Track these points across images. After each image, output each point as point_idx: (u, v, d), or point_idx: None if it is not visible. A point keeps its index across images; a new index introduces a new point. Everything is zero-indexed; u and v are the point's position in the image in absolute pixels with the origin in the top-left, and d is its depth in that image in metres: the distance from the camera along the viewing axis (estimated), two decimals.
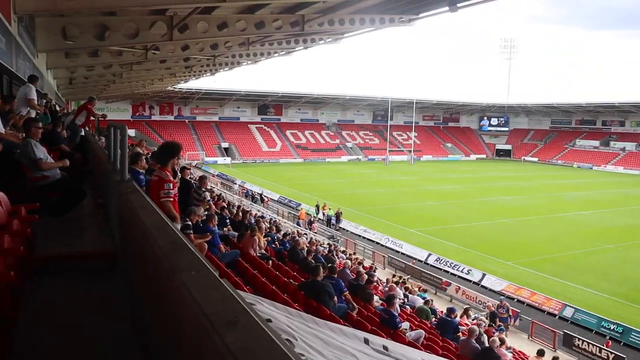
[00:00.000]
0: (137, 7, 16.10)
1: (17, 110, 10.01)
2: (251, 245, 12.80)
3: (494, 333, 15.65)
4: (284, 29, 20.86)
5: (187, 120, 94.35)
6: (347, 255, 26.49)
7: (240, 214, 17.94)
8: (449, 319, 13.97)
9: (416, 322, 13.97)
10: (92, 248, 5.48)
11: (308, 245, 21.28)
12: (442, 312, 18.97)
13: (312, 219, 38.44)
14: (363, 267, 21.81)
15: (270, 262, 12.85)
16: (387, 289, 18.04)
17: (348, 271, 15.26)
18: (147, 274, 3.06)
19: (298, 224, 38.36)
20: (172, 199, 6.21)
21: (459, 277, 28.21)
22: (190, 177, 14.41)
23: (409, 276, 27.59)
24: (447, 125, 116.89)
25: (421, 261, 30.84)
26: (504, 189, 59.43)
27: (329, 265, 12.92)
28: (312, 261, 13.90)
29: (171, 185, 6.18)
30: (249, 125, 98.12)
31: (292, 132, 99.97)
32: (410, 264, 29.76)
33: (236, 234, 14.21)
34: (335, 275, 11.78)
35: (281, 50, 30.08)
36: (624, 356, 18.92)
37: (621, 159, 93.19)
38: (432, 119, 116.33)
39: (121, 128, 5.46)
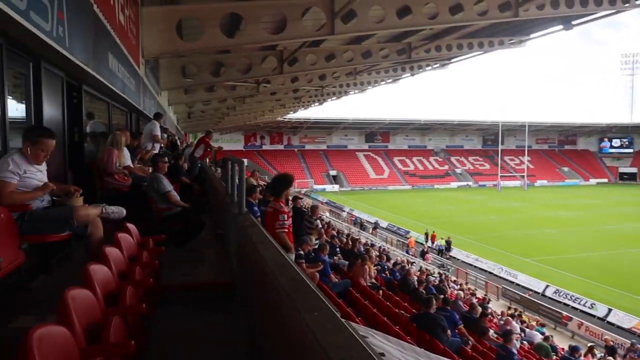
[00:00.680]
0: (250, 45, 16.93)
1: (143, 145, 10.78)
2: (362, 275, 12.74)
3: None
4: (390, 57, 20.96)
5: (296, 149, 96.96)
6: (459, 286, 25.62)
7: (350, 242, 17.97)
8: (573, 358, 12.97)
9: None
10: (212, 278, 5.69)
11: (418, 274, 20.84)
12: (563, 349, 17.67)
13: (424, 249, 37.64)
14: (476, 298, 20.94)
15: (381, 292, 12.70)
16: (502, 322, 17.17)
17: (461, 303, 14.74)
18: (268, 310, 3.09)
19: (407, 252, 37.77)
20: (286, 230, 6.34)
21: (581, 311, 26.23)
22: (301, 206, 14.68)
23: (525, 309, 26.08)
24: (562, 148, 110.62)
25: (538, 293, 29.07)
26: (629, 216, 54.89)
27: (442, 296, 12.54)
28: (424, 292, 13.58)
29: (285, 216, 6.32)
30: (356, 153, 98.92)
31: (399, 158, 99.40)
32: (527, 295, 28.16)
33: (346, 262, 14.22)
34: (449, 307, 11.39)
35: (388, 78, 30.21)
36: None
37: None
38: (547, 142, 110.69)
39: (239, 162, 5.66)
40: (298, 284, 2.63)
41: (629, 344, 20.44)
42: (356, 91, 36.07)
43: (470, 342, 10.74)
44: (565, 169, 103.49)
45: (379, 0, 13.73)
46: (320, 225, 13.41)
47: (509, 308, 25.40)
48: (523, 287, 30.29)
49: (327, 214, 54.18)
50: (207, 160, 17.79)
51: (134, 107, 11.31)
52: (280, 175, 7.02)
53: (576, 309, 26.62)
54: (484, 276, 32.37)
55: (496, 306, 25.92)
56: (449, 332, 9.95)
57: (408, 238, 42.34)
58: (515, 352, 11.14)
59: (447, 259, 36.67)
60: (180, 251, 6.98)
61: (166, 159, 7.98)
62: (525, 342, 15.79)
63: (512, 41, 21.30)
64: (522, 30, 20.89)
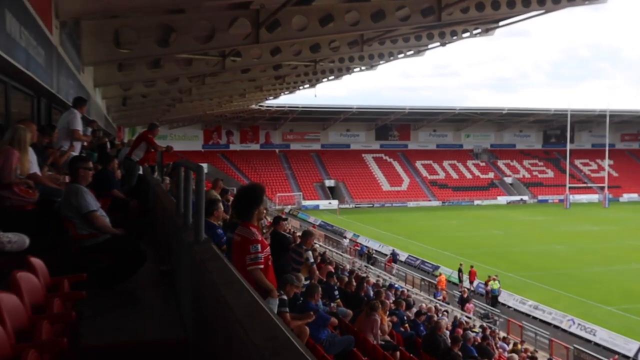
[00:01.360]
0: (213, 0, 16.93)
1: (57, 144, 10.72)
2: (370, 329, 12.73)
3: None
4: (412, 20, 21.02)
5: (277, 150, 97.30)
6: (512, 345, 25.62)
7: (354, 282, 17.94)
8: None
9: None
10: (156, 335, 5.64)
11: (452, 328, 20.82)
12: None
13: (465, 295, 37.20)
14: None
15: (398, 353, 12.67)
16: None
17: None
18: None
19: (436, 295, 37.75)
20: (262, 266, 6.32)
21: None
22: (285, 231, 14.66)
23: None
24: None
25: (628, 357, 29.10)
26: None
27: None
28: (460, 353, 13.54)
29: (259, 246, 6.29)
30: (363, 155, 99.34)
31: (424, 163, 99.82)
32: None
33: (349, 312, 14.18)
34: None
35: (408, 49, 30.30)
36: None
37: None
38: (637, 138, 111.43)
39: (196, 169, 5.64)
40: (279, 345, 2.61)
41: None
42: (363, 68, 36.19)
43: None
44: None
45: None
46: (312, 259, 13.40)
47: None
48: (604, 347, 30.28)
49: (322, 241, 54.14)
50: (150, 165, 17.77)
51: (44, 89, 11.27)
52: (245, 187, 6.97)
53: None
54: (547, 332, 32.36)
55: None
56: None
57: (437, 276, 42.35)
58: None
59: (493, 306, 36.55)
60: (110, 295, 6.93)
61: (90, 164, 7.94)
62: None
63: None
64: None
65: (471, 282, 40.68)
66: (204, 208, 5.53)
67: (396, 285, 33.53)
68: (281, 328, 2.85)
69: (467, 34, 27.29)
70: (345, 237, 58.94)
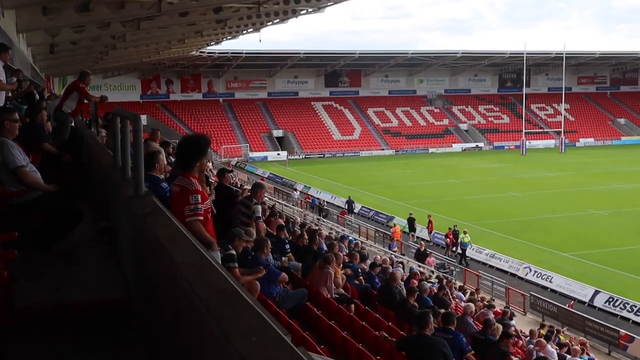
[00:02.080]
0: None
1: None
2: (324, 283, 12.81)
3: None
4: None
5: (221, 99, 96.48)
6: (468, 295, 26.11)
7: (306, 235, 18.00)
8: None
9: None
10: (96, 295, 5.59)
11: (407, 278, 21.11)
12: None
13: (422, 248, 36.89)
14: (494, 312, 21.41)
15: (353, 306, 12.81)
16: (532, 346, 17.62)
17: (471, 320, 15.00)
18: (180, 340, 3.04)
19: (391, 247, 38.16)
20: (201, 217, 6.28)
21: None
22: (231, 184, 14.59)
23: (565, 327, 26.86)
24: (617, 90, 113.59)
25: (584, 303, 29.94)
26: None
27: (443, 311, 12.75)
28: (416, 305, 13.76)
29: (198, 197, 6.24)
30: (312, 103, 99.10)
31: (376, 110, 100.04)
32: (567, 306, 28.96)
33: (300, 265, 14.26)
34: (453, 327, 11.61)
35: None
36: None
37: None
38: (594, 81, 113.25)
39: (133, 118, 5.55)
40: (227, 298, 2.60)
41: None
42: (310, 10, 35.84)
43: None
44: (622, 120, 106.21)
45: None
46: (259, 213, 13.31)
47: (542, 325, 26.07)
48: (561, 294, 31.08)
49: (272, 194, 54.15)
50: (84, 117, 17.45)
51: None
52: (189, 137, 6.90)
53: (639, 324, 27.55)
54: (504, 280, 33.05)
55: (523, 323, 26.52)
56: None
57: (391, 227, 42.78)
58: None
59: (465, 264, 36.50)
60: (46, 256, 6.84)
61: (16, 115, 7.74)
62: None
63: None
64: None
65: (430, 233, 41.20)
66: (144, 159, 5.45)
67: (350, 238, 33.74)
68: (229, 281, 2.84)
69: None
70: (295, 190, 58.96)
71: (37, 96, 17.49)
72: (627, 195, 54.03)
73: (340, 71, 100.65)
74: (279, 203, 47.89)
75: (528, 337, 20.50)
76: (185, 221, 6.04)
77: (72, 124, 14.07)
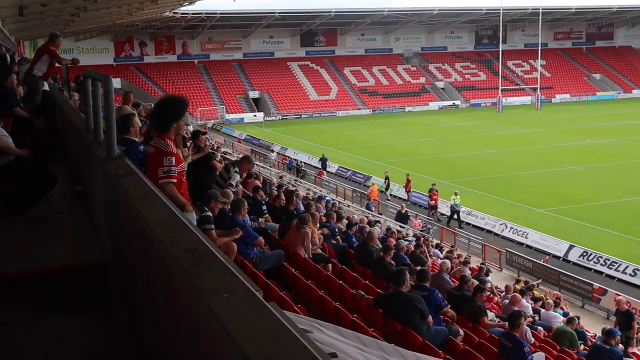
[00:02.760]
0: None
1: None
2: (301, 243, 12.86)
3: None
4: None
5: (196, 61, 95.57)
6: (445, 252, 26.34)
7: (283, 196, 18.04)
8: (607, 346, 13.72)
9: (555, 352, 13.78)
10: (71, 260, 5.60)
11: (384, 237, 21.25)
12: (595, 335, 18.61)
13: (403, 210, 36.46)
14: (470, 269, 21.64)
15: (330, 265, 12.91)
16: (507, 301, 17.86)
17: (447, 276, 15.15)
18: (155, 300, 3.09)
19: (369, 207, 38.32)
20: (174, 180, 6.25)
21: (619, 280, 27.59)
22: (207, 146, 14.53)
23: (539, 281, 27.20)
24: (593, 45, 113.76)
25: (558, 257, 30.31)
26: None
27: (419, 268, 12.87)
28: (393, 263, 13.87)
29: (173, 159, 6.20)
30: (288, 63, 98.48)
31: (352, 69, 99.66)
32: (542, 262, 29.31)
33: (277, 226, 14.31)
34: (428, 283, 11.73)
35: None
36: None
37: None
38: (570, 37, 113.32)
39: (103, 79, 5.53)
40: (199, 256, 2.64)
41: None
42: None
43: (461, 331, 11.15)
44: (597, 76, 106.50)
45: None
46: (234, 182, 13.17)
47: (517, 281, 26.39)
48: (536, 249, 31.43)
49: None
50: (56, 80, 17.27)
51: None
52: (167, 98, 6.88)
53: (612, 277, 27.95)
54: (480, 237, 33.33)
55: (498, 279, 26.80)
56: (430, 318, 10.27)
57: (368, 186, 42.90)
58: (526, 342, 11.68)
59: (460, 227, 36.47)
60: (18, 221, 6.83)
61: None
62: (540, 328, 16.52)
63: None
64: None
65: (407, 192, 41.33)
66: (115, 121, 5.45)
67: (327, 198, 33.81)
68: (202, 240, 2.87)
69: None
70: (272, 151, 58.88)
71: (9, 60, 17.28)
72: (601, 151, 54.50)
73: (316, 30, 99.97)
74: (256, 164, 47.80)
75: (504, 293, 20.79)
76: (158, 183, 6.04)
77: (44, 88, 13.92)
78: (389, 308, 10.21)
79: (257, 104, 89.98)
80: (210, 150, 16.13)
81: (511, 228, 34.06)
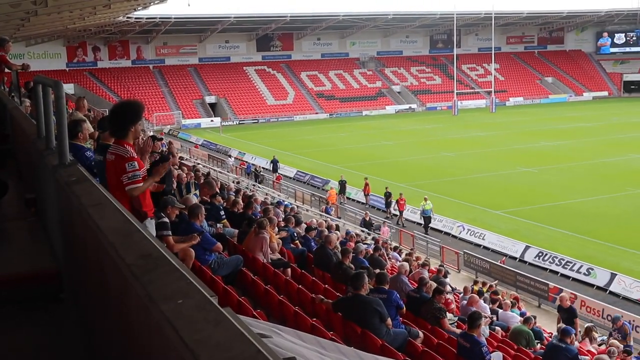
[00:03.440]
0: None
1: None
2: (259, 248, 12.83)
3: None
4: None
5: (151, 66, 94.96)
6: (404, 255, 26.46)
7: (241, 201, 17.99)
8: (563, 345, 13.88)
9: (513, 352, 13.93)
10: (24, 268, 5.51)
11: (343, 241, 21.27)
12: (551, 334, 18.85)
13: (367, 218, 35.98)
14: (428, 271, 21.77)
15: (290, 270, 12.89)
16: (465, 302, 18.00)
17: (406, 279, 15.20)
18: (108, 308, 3.04)
19: (328, 211, 38.39)
20: (141, 184, 6.24)
21: (574, 280, 27.98)
22: (162, 151, 14.41)
23: (496, 281, 27.48)
24: (545, 49, 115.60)
25: (515, 258, 30.64)
26: (638, 143, 58.51)
27: (378, 271, 12.90)
28: (352, 266, 13.89)
29: (136, 164, 6.18)
30: (244, 68, 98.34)
31: (309, 74, 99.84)
32: (499, 262, 29.62)
33: (235, 231, 14.25)
34: (387, 286, 11.76)
35: None
36: None
37: None
38: (522, 41, 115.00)
39: (54, 85, 5.44)
40: (153, 262, 2.61)
41: (636, 318, 22.11)
42: None
43: (420, 333, 11.20)
44: (549, 79, 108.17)
45: None
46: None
47: (475, 282, 26.63)
48: (493, 251, 31.75)
49: (206, 161, 53.83)
50: (5, 86, 16.98)
51: None
52: (120, 103, 6.82)
53: (567, 277, 28.32)
54: (438, 239, 33.56)
55: (457, 280, 27.06)
56: (389, 320, 10.29)
57: (327, 190, 42.99)
58: (484, 341, 11.77)
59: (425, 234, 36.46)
60: None
61: None
62: (498, 328, 16.69)
63: None
64: None
65: (366, 195, 41.57)
66: (67, 128, 5.37)
67: (285, 203, 33.79)
68: (155, 246, 2.84)
69: None
70: (230, 156, 58.69)
71: None
72: (554, 153, 55.32)
73: (272, 35, 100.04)
74: (214, 170, 47.62)
75: (462, 294, 20.97)
76: (125, 190, 6.01)
77: None
78: (348, 311, 10.21)
79: (213, 109, 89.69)
80: (166, 151, 15.99)
81: (468, 230, 34.37)
